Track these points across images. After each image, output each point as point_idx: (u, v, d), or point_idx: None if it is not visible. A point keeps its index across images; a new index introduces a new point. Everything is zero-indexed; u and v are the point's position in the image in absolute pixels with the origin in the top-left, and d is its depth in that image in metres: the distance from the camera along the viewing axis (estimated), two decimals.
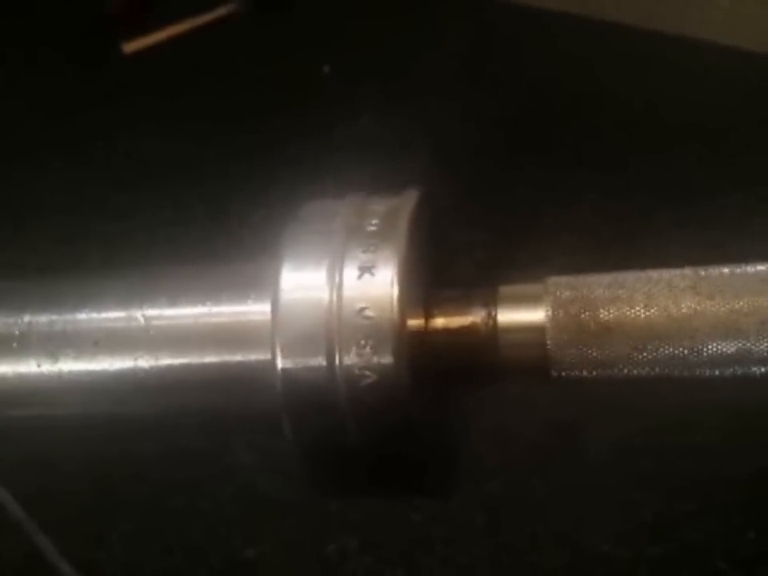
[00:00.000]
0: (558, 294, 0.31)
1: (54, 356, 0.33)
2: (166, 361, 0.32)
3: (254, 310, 0.32)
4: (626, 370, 0.31)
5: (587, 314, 0.31)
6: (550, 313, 0.31)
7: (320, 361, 0.30)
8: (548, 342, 0.31)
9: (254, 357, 0.32)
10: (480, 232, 1.52)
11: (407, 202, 0.32)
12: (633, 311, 0.31)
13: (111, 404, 0.34)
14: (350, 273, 0.30)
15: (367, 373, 0.29)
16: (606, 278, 0.32)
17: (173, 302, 0.33)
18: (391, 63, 1.94)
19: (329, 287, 0.30)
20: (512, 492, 1.28)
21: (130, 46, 1.95)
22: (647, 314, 0.31)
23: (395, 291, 0.30)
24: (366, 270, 0.30)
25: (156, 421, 0.34)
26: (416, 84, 1.86)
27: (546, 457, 1.29)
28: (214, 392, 0.32)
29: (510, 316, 0.32)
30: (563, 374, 0.31)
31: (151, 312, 0.33)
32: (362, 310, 0.30)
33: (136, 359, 0.33)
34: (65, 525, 1.24)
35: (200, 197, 1.73)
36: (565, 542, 1.21)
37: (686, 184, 1.59)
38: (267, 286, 0.31)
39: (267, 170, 1.72)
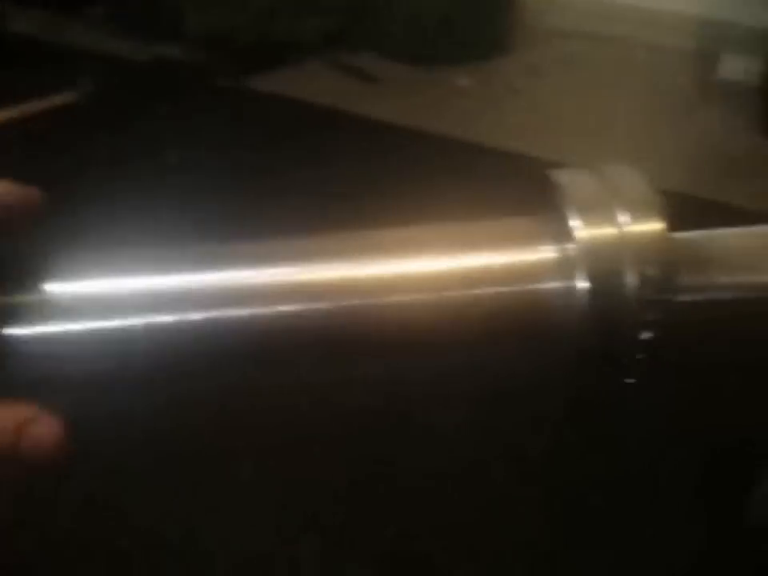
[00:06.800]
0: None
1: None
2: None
3: (551, 248, 0.34)
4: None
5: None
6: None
7: (627, 280, 0.33)
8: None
9: (554, 285, 0.34)
10: None
11: (632, 172, 0.35)
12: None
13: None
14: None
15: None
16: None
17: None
18: None
19: (618, 233, 0.33)
20: None
21: None
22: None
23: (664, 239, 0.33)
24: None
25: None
26: None
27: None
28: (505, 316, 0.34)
29: None
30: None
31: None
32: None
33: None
34: None
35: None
36: None
37: None
38: (560, 234, 0.34)
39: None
